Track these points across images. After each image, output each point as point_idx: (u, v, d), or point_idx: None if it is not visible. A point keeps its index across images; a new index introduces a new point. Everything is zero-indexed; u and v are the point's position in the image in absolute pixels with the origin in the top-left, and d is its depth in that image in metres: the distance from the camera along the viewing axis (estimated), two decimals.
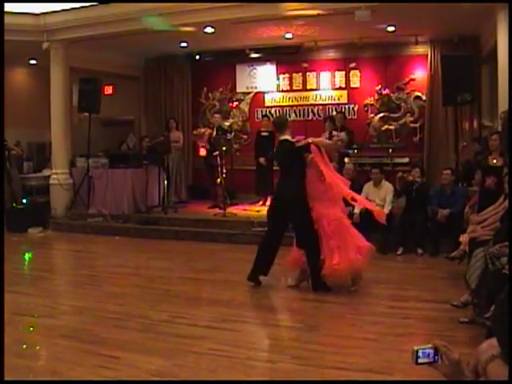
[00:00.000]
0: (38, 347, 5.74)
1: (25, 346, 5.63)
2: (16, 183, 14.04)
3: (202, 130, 14.04)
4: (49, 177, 13.93)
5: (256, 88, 15.33)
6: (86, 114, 13.74)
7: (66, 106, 13.67)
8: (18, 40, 12.83)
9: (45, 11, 12.81)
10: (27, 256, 10.85)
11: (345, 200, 7.89)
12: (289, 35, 12.73)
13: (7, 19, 12.51)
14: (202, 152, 14.17)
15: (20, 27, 12.72)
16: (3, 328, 4.99)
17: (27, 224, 12.80)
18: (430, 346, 2.42)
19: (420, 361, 2.41)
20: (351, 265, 7.21)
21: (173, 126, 14.37)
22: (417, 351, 2.39)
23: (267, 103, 15.23)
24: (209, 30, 12.14)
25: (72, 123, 14.64)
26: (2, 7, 8.27)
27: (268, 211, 8.19)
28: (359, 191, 10.06)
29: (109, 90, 15.94)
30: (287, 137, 7.71)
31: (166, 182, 12.90)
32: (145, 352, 5.33)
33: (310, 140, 7.61)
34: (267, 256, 7.66)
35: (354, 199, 8.14)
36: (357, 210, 9.78)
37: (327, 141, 8.69)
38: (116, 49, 14.15)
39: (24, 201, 13.39)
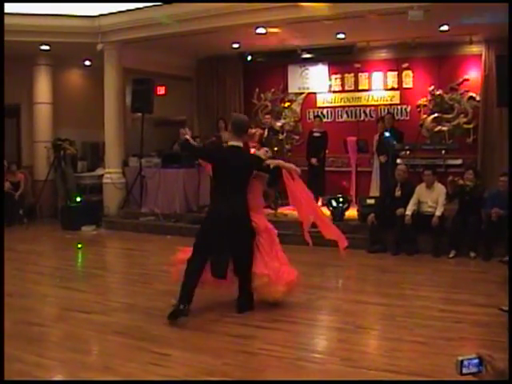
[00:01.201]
0: (90, 343, 5.87)
1: (78, 342, 5.77)
2: (71, 182, 14.34)
3: (253, 131, 14.00)
4: (102, 176, 14.16)
5: (308, 89, 15.31)
6: (139, 114, 13.92)
7: (119, 106, 13.87)
8: (74, 42, 13.12)
9: (99, 13, 13.04)
10: (80, 253, 11.05)
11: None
12: (341, 35, 12.68)
13: (64, 22, 12.82)
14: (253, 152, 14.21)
15: (75, 29, 13.01)
16: (3, 328, 5.07)
17: (81, 222, 13.04)
18: (474, 355, 2.38)
19: (464, 371, 2.37)
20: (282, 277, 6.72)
21: (222, 126, 14.42)
22: (461, 361, 2.35)
23: (319, 104, 15.19)
24: (260, 30, 12.18)
25: (125, 123, 14.83)
26: (2, 7, 8.39)
27: (204, 231, 6.60)
28: (411, 193, 9.99)
29: (161, 90, 16.13)
30: (241, 144, 6.70)
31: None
32: (195, 350, 5.39)
33: (279, 163, 7.24)
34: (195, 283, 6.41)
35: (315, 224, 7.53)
36: (408, 212, 9.72)
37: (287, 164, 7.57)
38: (169, 50, 14.29)
39: (78, 199, 13.63)
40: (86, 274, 9.17)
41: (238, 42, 13.88)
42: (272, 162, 7.03)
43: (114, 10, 12.86)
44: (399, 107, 14.14)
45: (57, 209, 14.40)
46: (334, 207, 11.22)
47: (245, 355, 5.26)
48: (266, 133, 13.25)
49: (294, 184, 7.13)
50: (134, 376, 4.81)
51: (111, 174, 13.85)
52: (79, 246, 11.34)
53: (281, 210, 12.14)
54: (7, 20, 12.62)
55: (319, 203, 12.96)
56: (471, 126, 13.44)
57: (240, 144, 6.67)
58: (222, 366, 5.00)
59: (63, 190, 14.17)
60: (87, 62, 15.57)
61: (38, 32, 12.97)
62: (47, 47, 13.87)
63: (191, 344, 5.58)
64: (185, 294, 6.24)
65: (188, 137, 6.74)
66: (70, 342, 5.78)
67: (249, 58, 15.42)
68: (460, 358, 2.36)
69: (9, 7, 12.49)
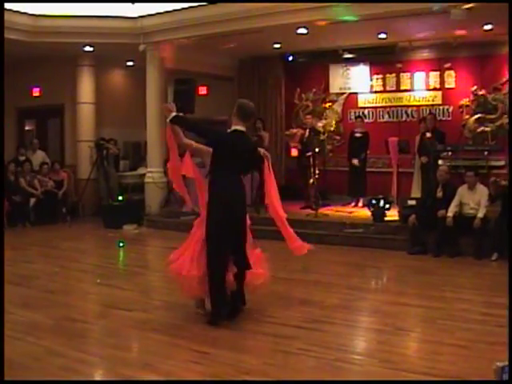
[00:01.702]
0: (131, 340, 5.95)
1: (119, 338, 5.87)
2: (113, 181, 14.52)
3: (294, 131, 14.09)
4: (144, 175, 14.29)
5: (349, 89, 15.26)
6: (181, 114, 14.00)
7: (161, 106, 13.95)
8: (116, 43, 13.29)
9: (141, 15, 13.18)
10: (122, 252, 11.17)
11: None
12: (383, 35, 12.62)
13: (107, 23, 12.99)
14: (294, 152, 14.24)
15: (118, 30, 13.20)
16: (3, 327, 5.12)
17: (123, 221, 13.18)
18: None
19: (505, 377, 2.35)
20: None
21: (259, 126, 14.43)
22: (502, 368, 2.33)
23: (360, 104, 15.13)
24: (302, 30, 12.18)
25: (167, 123, 14.90)
26: (2, 7, 8.47)
27: (217, 225, 6.31)
28: (453, 194, 9.89)
29: (203, 90, 16.19)
30: (244, 129, 6.55)
31: (258, 182, 13.01)
32: (235, 349, 5.42)
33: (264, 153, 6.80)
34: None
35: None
36: (450, 214, 9.63)
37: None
38: (210, 50, 14.35)
39: (120, 198, 13.79)
40: (127, 272, 9.28)
41: (279, 43, 13.89)
42: (259, 150, 6.75)
43: (156, 11, 12.98)
44: (441, 107, 14.01)
45: (99, 207, 14.58)
46: (374, 208, 11.17)
47: (284, 355, 5.28)
48: (307, 133, 13.26)
49: (271, 180, 6.85)
50: (173, 374, 4.86)
51: (153, 173, 13.98)
52: (121, 244, 11.45)
53: (321, 210, 12.10)
54: (52, 22, 12.92)
55: (360, 204, 12.96)
56: None
57: (244, 129, 6.52)
58: (260, 365, 5.03)
59: (105, 188, 14.34)
60: (130, 63, 15.76)
61: (81, 33, 13.21)
62: (90, 48, 14.08)
63: (230, 343, 5.61)
64: (221, 297, 6.21)
65: (175, 112, 6.52)
66: (112, 339, 5.87)
67: (290, 58, 15.43)
68: (500, 365, 2.33)
69: (53, 9, 12.75)
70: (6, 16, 12.09)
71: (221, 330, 5.99)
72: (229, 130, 6.60)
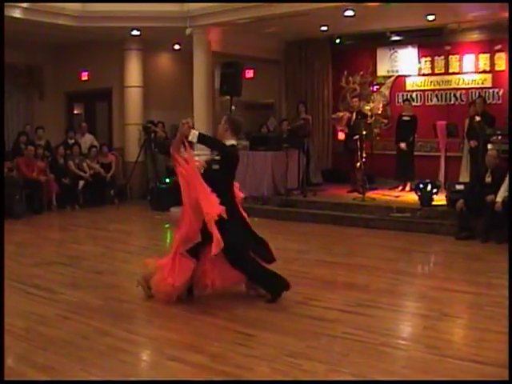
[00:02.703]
0: (178, 321, 6.02)
1: (166, 320, 5.98)
2: (160, 164, 14.62)
3: (341, 114, 14.01)
4: None
5: (397, 72, 15.07)
6: (228, 97, 14.04)
7: (208, 89, 14.02)
8: (163, 26, 13.38)
9: None
10: (168, 234, 11.28)
11: None
12: (431, 17, 12.43)
13: (153, 7, 13.07)
14: (341, 136, 14.20)
15: (165, 14, 13.26)
16: (3, 327, 5.17)
17: (169, 203, 13.26)
18: None
19: None
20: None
21: (302, 110, 14.41)
22: None
23: (408, 87, 14.93)
24: (349, 13, 12.08)
25: (213, 106, 14.98)
26: (2, 7, 8.54)
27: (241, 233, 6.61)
28: (502, 179, 9.73)
29: (250, 73, 16.22)
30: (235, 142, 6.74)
31: (305, 165, 13.02)
32: (279, 332, 5.45)
33: None
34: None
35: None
36: (499, 199, 9.49)
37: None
38: (257, 33, 14.34)
39: (167, 181, 13.90)
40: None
41: (326, 25, 13.80)
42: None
43: None
44: (491, 91, 13.72)
45: (146, 190, 14.73)
46: (422, 192, 11.06)
47: (328, 338, 5.29)
48: (353, 116, 13.20)
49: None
50: (218, 355, 4.91)
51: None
52: (167, 226, 11.57)
53: (368, 194, 12.03)
54: (100, 7, 13.04)
55: (407, 188, 12.85)
56: None
57: (235, 142, 6.70)
58: (305, 348, 5.05)
59: (153, 171, 14.46)
60: (176, 46, 15.82)
61: (128, 18, 13.32)
62: (138, 32, 14.19)
63: (276, 325, 5.64)
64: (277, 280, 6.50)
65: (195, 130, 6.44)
66: (158, 320, 5.98)
67: (337, 40, 15.33)
68: None
69: None
70: (55, 2, 12.35)
71: (266, 313, 6.04)
72: (228, 144, 6.61)
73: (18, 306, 6.46)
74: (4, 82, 12.72)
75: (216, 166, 6.55)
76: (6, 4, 11.72)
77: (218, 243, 6.00)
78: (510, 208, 9.14)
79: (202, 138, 6.47)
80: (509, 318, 5.38)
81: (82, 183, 13.93)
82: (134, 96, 15.48)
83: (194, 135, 6.35)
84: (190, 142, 6.52)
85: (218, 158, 6.58)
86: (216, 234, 6.01)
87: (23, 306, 6.47)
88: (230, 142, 6.63)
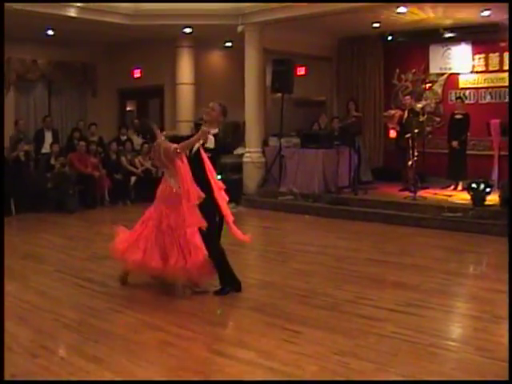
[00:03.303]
0: (226, 317, 6.11)
1: (219, 312, 6.08)
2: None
3: (393, 112, 13.87)
4: (242, 155, 14.42)
5: (450, 69, 14.84)
6: (279, 94, 14.05)
7: (259, 86, 14.04)
8: (215, 24, 13.45)
9: None
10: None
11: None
12: (486, 13, 12.20)
13: (205, 5, 13.14)
14: (392, 134, 14.08)
15: (217, 12, 13.33)
16: (3, 327, 5.21)
17: None
18: None
19: None
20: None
21: (352, 107, 14.31)
22: None
23: (461, 85, 14.67)
24: (401, 9, 11.96)
25: (265, 103, 15.01)
26: (2, 7, 8.60)
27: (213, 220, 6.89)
28: None
29: (301, 70, 16.20)
30: None
31: (356, 163, 12.95)
32: (328, 330, 5.44)
33: None
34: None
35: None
36: None
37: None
38: (309, 30, 14.28)
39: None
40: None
41: (378, 22, 13.69)
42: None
43: None
44: None
45: None
46: (474, 192, 10.89)
47: (377, 338, 5.26)
48: (405, 114, 13.06)
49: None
50: (266, 351, 4.93)
51: (251, 153, 14.09)
52: None
53: (420, 193, 11.89)
54: (152, 5, 13.18)
55: (459, 187, 12.66)
56: None
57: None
58: (353, 347, 5.03)
59: None
60: (228, 44, 15.89)
61: (181, 15, 13.45)
62: (189, 30, 14.29)
63: (324, 323, 5.64)
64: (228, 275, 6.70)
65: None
66: (207, 315, 6.02)
67: (389, 37, 15.19)
68: None
69: None
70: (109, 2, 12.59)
71: (315, 310, 6.04)
72: (214, 133, 6.82)
73: (71, 299, 6.59)
74: (4, 81, 12.86)
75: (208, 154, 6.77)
76: (61, 4, 11.99)
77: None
78: (510, 207, 9.03)
79: (217, 143, 6.76)
80: (509, 318, 5.38)
81: (133, 179, 14.07)
82: (185, 93, 15.61)
83: (211, 141, 6.69)
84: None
85: (211, 147, 6.74)
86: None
87: (76, 299, 6.60)
88: (215, 131, 6.82)
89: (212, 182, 6.75)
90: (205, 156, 6.71)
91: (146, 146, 14.62)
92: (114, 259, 7.11)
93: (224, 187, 6.98)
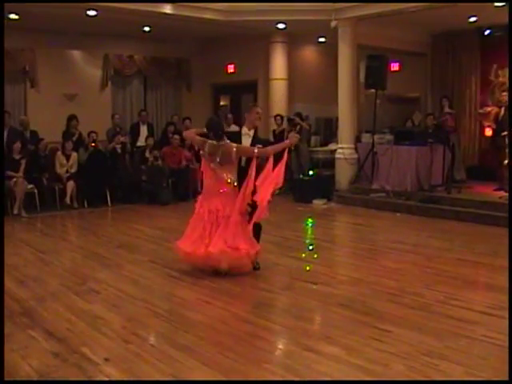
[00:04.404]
0: (314, 312, 6.11)
1: (303, 310, 6.04)
2: (304, 156, 14.73)
3: (489, 109, 13.55)
4: (335, 151, 14.37)
5: None
6: (372, 90, 13.93)
7: (352, 82, 13.95)
8: (309, 19, 13.43)
9: None
10: (310, 226, 11.35)
11: None
12: None
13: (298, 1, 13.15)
14: (488, 132, 13.75)
15: (310, 7, 13.32)
16: (3, 327, 5.23)
17: (312, 195, 13.37)
18: None
19: None
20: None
21: (445, 104, 14.02)
22: None
23: None
24: (499, 2, 11.65)
25: (358, 99, 14.91)
26: (2, 7, 8.63)
27: None
28: None
29: (395, 66, 16.01)
30: None
31: (450, 161, 12.71)
32: (417, 330, 5.38)
33: None
34: None
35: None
36: None
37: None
38: (403, 25, 14.10)
39: (311, 173, 13.98)
40: (314, 245, 9.37)
41: (475, 15, 13.37)
42: None
43: None
44: None
45: (290, 182, 14.81)
46: None
47: (467, 340, 5.16)
48: (502, 112, 12.73)
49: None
50: (352, 348, 4.92)
51: (344, 149, 14.03)
52: (309, 219, 11.66)
53: None
54: (246, 1, 13.36)
55: None
56: None
57: None
58: (442, 348, 4.96)
59: (296, 163, 14.57)
60: (321, 39, 15.86)
61: (274, 11, 13.48)
62: (283, 25, 14.32)
63: (413, 323, 5.58)
64: None
65: None
66: (296, 310, 6.06)
67: (486, 32, 14.81)
68: None
69: None
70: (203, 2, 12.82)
71: (404, 309, 5.99)
72: None
73: (162, 289, 6.78)
74: (4, 81, 13.11)
75: None
76: (156, 3, 12.30)
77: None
78: (510, 207, 8.92)
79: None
80: (509, 318, 5.30)
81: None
82: (278, 88, 15.67)
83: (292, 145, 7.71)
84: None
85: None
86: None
87: (167, 289, 6.79)
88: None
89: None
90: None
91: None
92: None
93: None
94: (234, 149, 7.13)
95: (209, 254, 7.00)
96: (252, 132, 7.56)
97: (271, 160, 7.10)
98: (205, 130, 7.41)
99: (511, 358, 4.36)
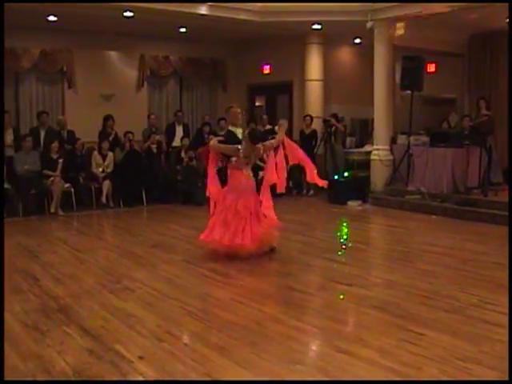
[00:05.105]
0: (348, 314, 6.11)
1: (336, 311, 6.03)
2: (339, 157, 14.70)
3: None
4: (370, 152, 14.32)
5: None
6: (408, 91, 13.84)
7: (388, 83, 13.89)
8: (344, 20, 13.41)
9: None
10: (345, 227, 11.33)
11: None
12: None
13: (335, 1, 13.13)
14: None
15: (346, 8, 13.31)
16: (3, 328, 5.24)
17: (347, 197, 13.34)
18: None
19: None
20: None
21: (482, 105, 13.87)
22: None
23: None
24: None
25: (394, 101, 14.84)
26: (2, 7, 8.65)
27: None
28: None
29: (431, 67, 15.89)
30: None
31: (486, 164, 12.56)
32: (451, 333, 5.34)
33: None
34: None
35: None
36: None
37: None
38: (439, 26, 13.97)
39: (346, 174, 13.94)
40: (349, 247, 9.35)
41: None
42: None
43: None
44: None
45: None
46: None
47: (502, 345, 5.07)
48: None
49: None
50: (385, 351, 4.90)
51: (379, 150, 13.96)
52: (343, 220, 11.64)
53: None
54: (281, 2, 13.38)
55: None
56: None
57: None
58: (477, 353, 4.90)
59: (332, 164, 14.55)
60: (357, 40, 15.82)
61: (310, 12, 13.51)
62: (319, 26, 14.32)
63: (447, 326, 5.53)
64: None
65: None
66: (329, 311, 6.06)
67: None
68: None
69: None
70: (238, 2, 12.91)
71: (438, 312, 5.94)
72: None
73: (196, 288, 6.83)
74: (4, 81, 13.18)
75: None
76: (191, 4, 12.38)
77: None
78: (510, 206, 8.92)
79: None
80: (509, 319, 5.26)
81: (261, 173, 14.22)
82: (314, 89, 15.64)
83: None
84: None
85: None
86: None
87: (201, 289, 6.83)
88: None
89: None
90: None
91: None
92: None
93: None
94: (262, 147, 8.40)
95: (245, 246, 7.94)
96: (240, 130, 9.21)
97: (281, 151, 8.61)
98: (221, 138, 8.77)
99: (511, 357, 4.32)
